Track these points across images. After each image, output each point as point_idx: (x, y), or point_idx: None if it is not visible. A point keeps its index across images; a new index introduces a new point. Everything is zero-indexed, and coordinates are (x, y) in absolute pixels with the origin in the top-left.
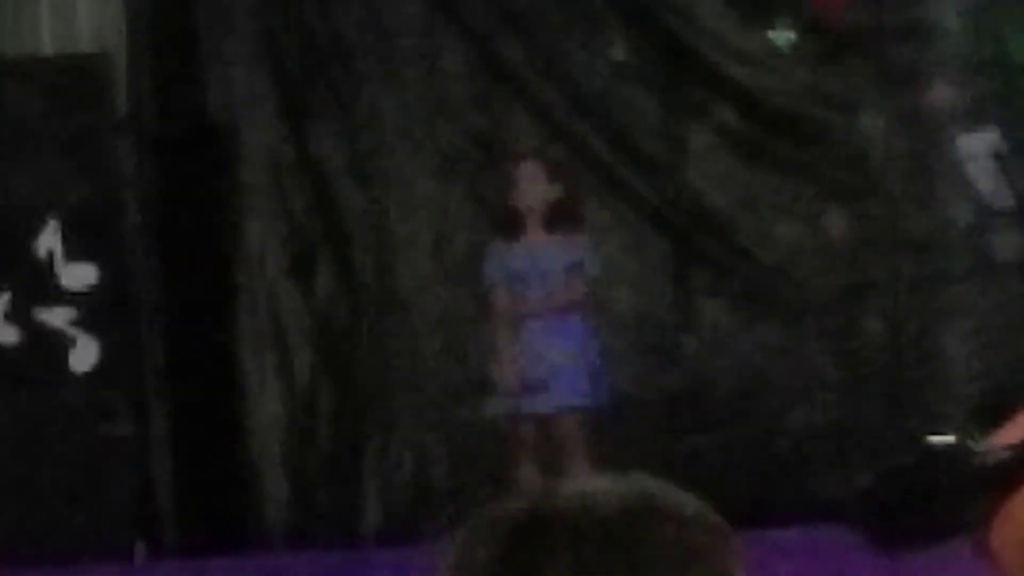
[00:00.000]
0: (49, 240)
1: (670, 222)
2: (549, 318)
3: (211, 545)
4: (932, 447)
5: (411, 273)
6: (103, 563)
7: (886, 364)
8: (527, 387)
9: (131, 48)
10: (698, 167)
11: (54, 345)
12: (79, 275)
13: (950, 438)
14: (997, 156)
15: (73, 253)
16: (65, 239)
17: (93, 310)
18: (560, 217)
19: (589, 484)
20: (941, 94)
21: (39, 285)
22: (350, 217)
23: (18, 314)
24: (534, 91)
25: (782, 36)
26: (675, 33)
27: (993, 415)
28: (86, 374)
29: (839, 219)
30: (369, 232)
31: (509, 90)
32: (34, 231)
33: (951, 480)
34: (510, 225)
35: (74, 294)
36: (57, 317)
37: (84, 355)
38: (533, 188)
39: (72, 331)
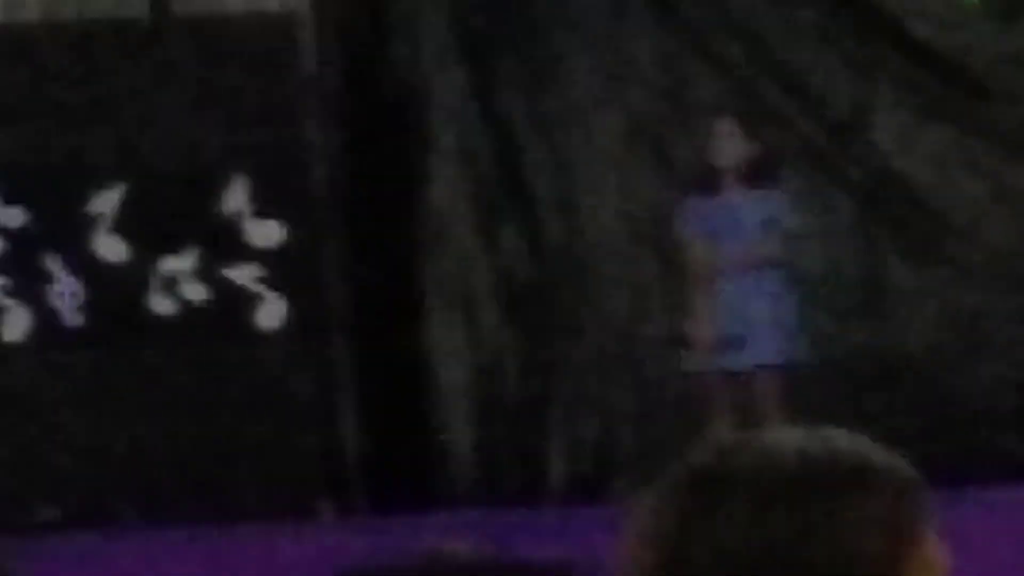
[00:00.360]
0: (236, 198)
1: (857, 181)
2: (746, 275)
3: (397, 502)
4: None
5: (597, 231)
6: (290, 520)
7: None
8: (723, 343)
9: (318, 7)
10: (883, 126)
11: (241, 303)
12: (266, 233)
13: None
14: None
15: (260, 211)
16: (252, 197)
17: (280, 268)
18: (756, 173)
19: (776, 438)
20: None
21: (226, 243)
22: (536, 175)
23: (206, 272)
24: (720, 51)
25: None
26: None
27: None
28: (273, 331)
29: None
30: (555, 190)
31: (695, 50)
32: (221, 189)
33: None
34: (707, 181)
35: (261, 252)
36: (244, 275)
37: (271, 313)
38: (729, 144)
39: (259, 288)
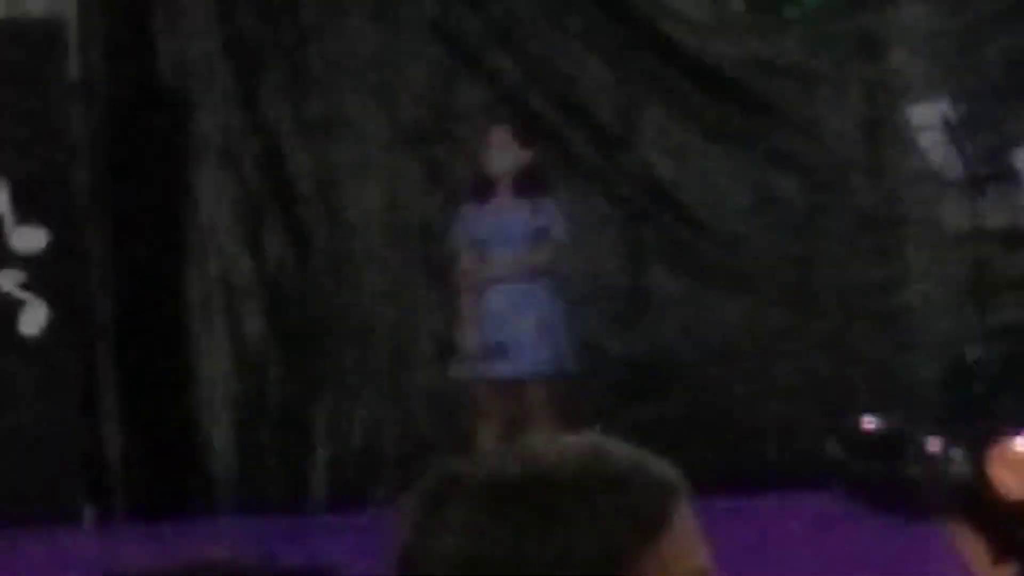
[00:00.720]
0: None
1: (623, 192)
2: (514, 284)
3: (160, 509)
4: (918, 451)
5: (362, 239)
6: (52, 527)
7: (838, 330)
8: (490, 352)
9: (82, 12)
10: (651, 137)
11: (4, 308)
12: (30, 238)
13: (934, 445)
14: (948, 126)
15: (24, 216)
16: (16, 202)
17: (43, 273)
18: (528, 183)
19: (526, 446)
20: (896, 64)
21: None
22: (301, 181)
23: None
24: (489, 60)
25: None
26: (629, 2)
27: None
28: (36, 337)
29: (791, 189)
30: (320, 197)
31: (464, 59)
32: None
33: (926, 487)
34: (478, 190)
35: (24, 257)
36: (7, 280)
37: (34, 318)
38: (502, 153)
39: (22, 294)
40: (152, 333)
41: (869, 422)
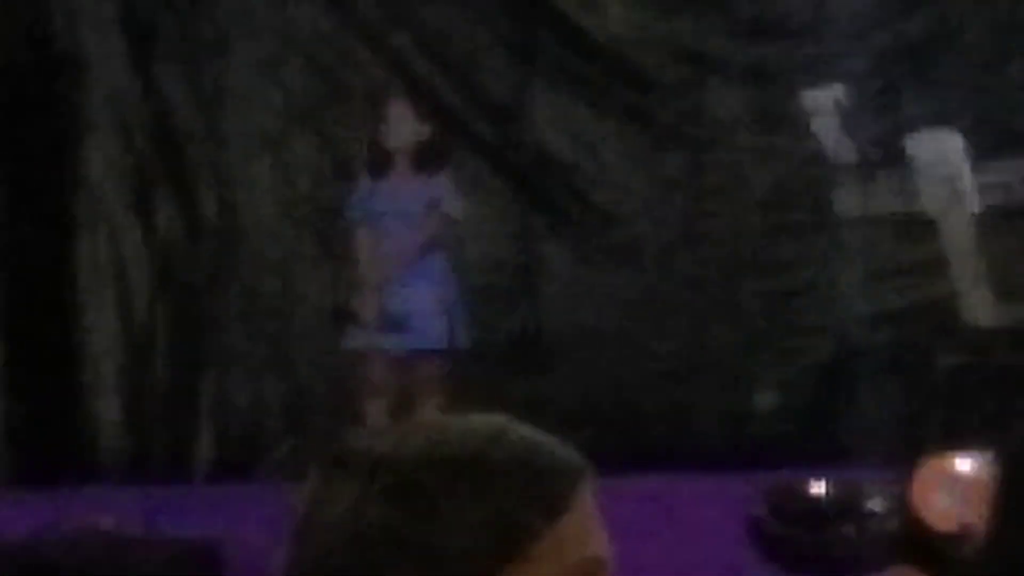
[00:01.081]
0: None
1: (512, 165)
2: (409, 258)
3: (45, 477)
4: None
5: (253, 210)
6: None
7: (727, 312)
8: (384, 324)
9: None
10: (542, 112)
11: None
12: None
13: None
14: (840, 111)
15: None
16: None
17: None
18: (426, 157)
19: (419, 425)
20: (788, 48)
21: None
22: (193, 152)
23: None
24: (380, 31)
25: None
26: None
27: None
28: None
29: (682, 169)
30: (212, 169)
31: (358, 31)
32: None
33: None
34: (373, 164)
35: None
36: None
37: None
38: (401, 127)
39: None
40: (39, 302)
41: (814, 486)
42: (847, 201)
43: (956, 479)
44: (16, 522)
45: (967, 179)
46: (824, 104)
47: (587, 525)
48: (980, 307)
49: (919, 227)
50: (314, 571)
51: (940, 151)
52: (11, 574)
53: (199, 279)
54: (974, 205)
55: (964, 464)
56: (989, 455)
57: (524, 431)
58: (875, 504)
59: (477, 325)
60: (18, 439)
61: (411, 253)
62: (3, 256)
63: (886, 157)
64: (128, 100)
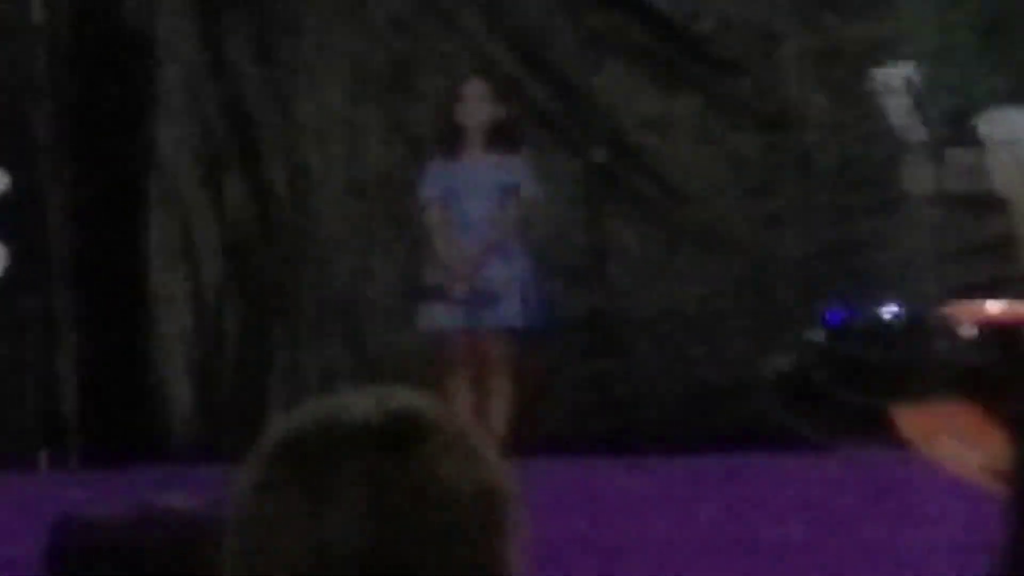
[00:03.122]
0: None
1: (584, 146)
2: (486, 237)
3: (116, 455)
4: (883, 322)
5: (324, 189)
6: (7, 471)
7: (790, 293)
8: (469, 301)
9: None
10: (613, 91)
11: None
12: None
13: (898, 310)
14: (912, 90)
15: None
16: None
17: (3, 216)
18: (500, 137)
19: (342, 402)
20: (860, 26)
21: None
22: (264, 130)
23: None
24: (453, 9)
25: None
26: None
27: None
28: None
29: (754, 148)
30: (283, 147)
31: (431, 11)
32: None
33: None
34: (448, 142)
35: None
36: None
37: None
38: (478, 106)
39: None
40: (112, 279)
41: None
42: (918, 179)
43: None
44: (88, 501)
45: None
46: (895, 82)
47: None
48: None
49: (990, 205)
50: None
51: (1011, 129)
52: (86, 555)
53: (270, 259)
54: None
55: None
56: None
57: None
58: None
59: (549, 305)
60: (91, 421)
61: (498, 237)
62: (77, 232)
63: (957, 135)
64: (200, 79)
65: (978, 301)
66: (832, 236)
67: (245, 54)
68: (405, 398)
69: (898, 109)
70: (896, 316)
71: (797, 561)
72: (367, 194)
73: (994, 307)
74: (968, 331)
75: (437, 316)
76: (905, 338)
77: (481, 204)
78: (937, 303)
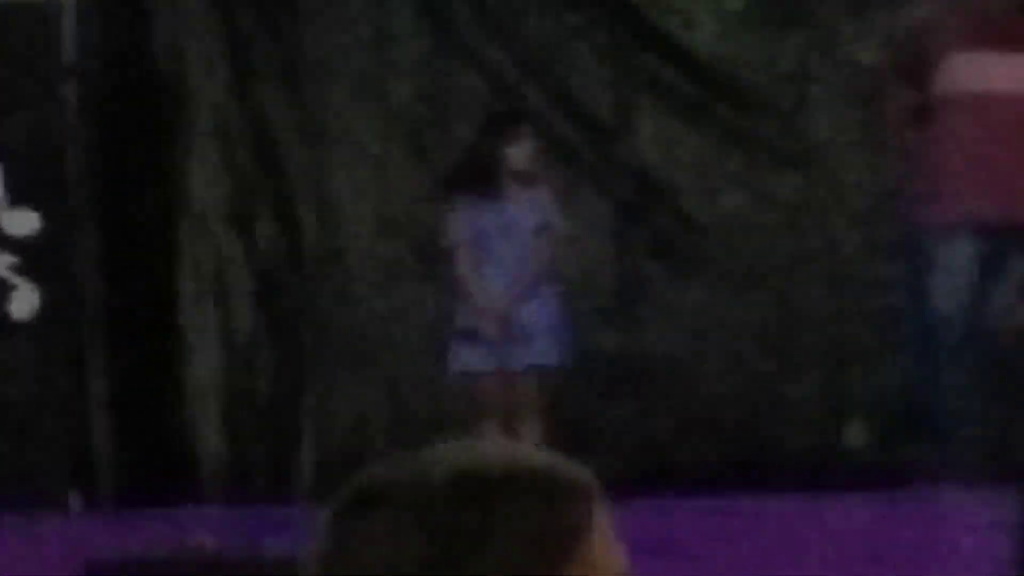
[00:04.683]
0: None
1: (615, 186)
2: (519, 277)
3: (146, 497)
4: None
5: (354, 230)
6: (38, 512)
7: (826, 332)
8: (501, 341)
9: None
10: (645, 132)
11: None
12: (22, 222)
13: None
14: None
15: (16, 200)
16: (8, 186)
17: (35, 257)
18: (529, 176)
19: (431, 454)
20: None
21: None
22: (294, 172)
23: None
24: (483, 52)
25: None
26: None
27: None
28: (26, 321)
29: (785, 188)
30: (313, 187)
31: (458, 51)
32: None
33: None
34: (478, 181)
35: (16, 241)
36: None
37: (24, 302)
38: (504, 146)
39: (13, 278)
40: (143, 320)
41: None
42: None
43: None
44: (120, 542)
45: None
46: None
47: (609, 542)
48: None
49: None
50: None
51: None
52: None
53: (301, 299)
54: None
55: None
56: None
57: (535, 453)
58: None
59: (579, 344)
60: (123, 462)
61: (532, 276)
62: (108, 272)
63: None
64: (230, 119)
65: None
66: (862, 274)
67: (275, 95)
68: (489, 450)
69: None
70: None
71: None
72: (398, 234)
73: None
74: None
75: (469, 358)
76: None
77: (512, 244)
78: None
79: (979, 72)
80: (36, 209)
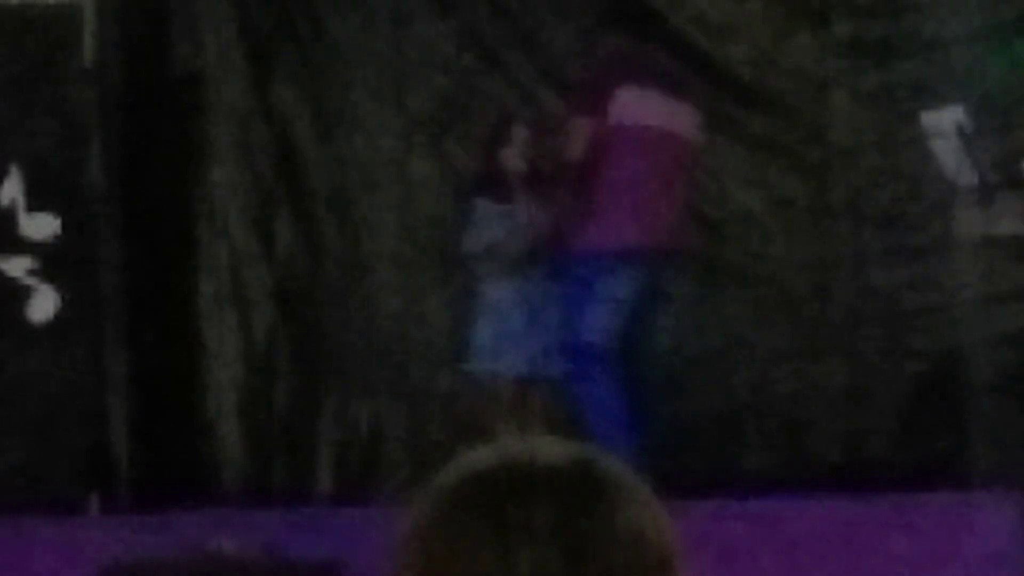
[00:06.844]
0: (12, 189)
1: None
2: (533, 281)
3: (165, 500)
4: None
5: (373, 234)
6: (57, 515)
7: (850, 337)
8: (509, 348)
9: None
10: None
11: (13, 295)
12: (41, 225)
13: None
14: (961, 133)
15: (35, 203)
16: (27, 189)
17: (55, 261)
18: (546, 181)
19: (520, 446)
20: (909, 69)
21: (1, 235)
22: (314, 175)
23: None
24: (503, 57)
25: (750, 4)
26: (643, 1)
27: None
28: (44, 324)
29: (802, 192)
30: (332, 190)
31: (478, 55)
32: None
33: None
34: (494, 186)
35: (35, 244)
36: (17, 266)
37: (43, 305)
38: (522, 151)
39: (31, 281)
40: (162, 322)
41: None
42: (967, 223)
43: None
44: (138, 545)
45: None
46: (945, 126)
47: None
48: None
49: None
50: None
51: None
52: None
53: (321, 303)
54: None
55: None
56: None
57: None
58: None
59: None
60: (142, 465)
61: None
62: (127, 275)
63: (1006, 179)
64: (249, 123)
65: None
66: (881, 280)
67: (294, 98)
68: (580, 447)
69: (947, 152)
70: None
71: None
72: (417, 238)
73: None
74: None
75: (488, 362)
76: None
77: (528, 248)
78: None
79: (641, 108)
80: (55, 213)
